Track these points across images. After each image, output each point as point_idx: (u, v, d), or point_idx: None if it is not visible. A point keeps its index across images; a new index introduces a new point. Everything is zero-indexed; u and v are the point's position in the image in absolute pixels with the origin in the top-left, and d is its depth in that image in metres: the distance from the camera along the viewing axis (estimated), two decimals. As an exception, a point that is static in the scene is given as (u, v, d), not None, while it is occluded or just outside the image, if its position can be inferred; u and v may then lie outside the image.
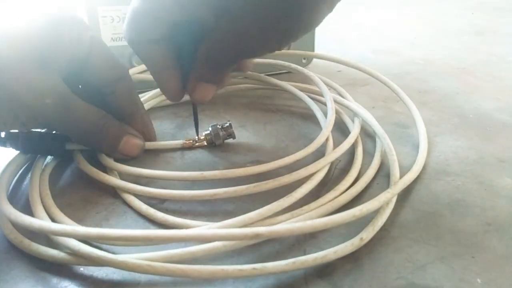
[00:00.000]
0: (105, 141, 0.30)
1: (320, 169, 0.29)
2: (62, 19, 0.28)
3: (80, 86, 0.31)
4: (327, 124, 0.33)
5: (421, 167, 0.30)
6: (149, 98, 0.40)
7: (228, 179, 0.28)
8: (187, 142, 0.34)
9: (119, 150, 0.31)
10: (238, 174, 0.28)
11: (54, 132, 0.33)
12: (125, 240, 0.21)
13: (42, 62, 0.27)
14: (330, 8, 0.24)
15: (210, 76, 0.28)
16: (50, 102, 0.26)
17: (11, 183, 0.30)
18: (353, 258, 0.23)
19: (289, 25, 0.23)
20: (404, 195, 0.28)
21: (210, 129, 0.34)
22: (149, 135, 0.33)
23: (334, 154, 0.30)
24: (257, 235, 0.21)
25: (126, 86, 0.32)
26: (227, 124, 0.34)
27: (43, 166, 0.30)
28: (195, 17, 0.25)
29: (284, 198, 0.26)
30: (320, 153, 0.31)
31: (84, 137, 0.29)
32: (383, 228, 0.25)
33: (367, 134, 0.36)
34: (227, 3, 0.23)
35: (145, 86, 0.42)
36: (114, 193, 0.29)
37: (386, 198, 0.25)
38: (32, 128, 0.29)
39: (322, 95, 0.38)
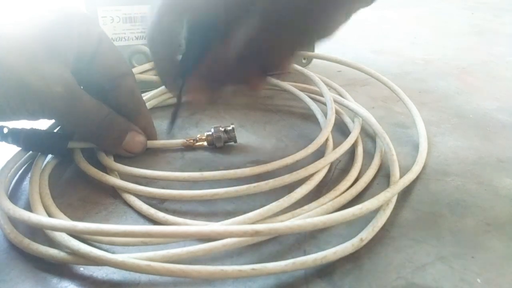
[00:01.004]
0: (110, 136, 0.30)
1: (320, 170, 0.29)
2: (72, 13, 0.29)
3: (82, 87, 0.31)
4: (327, 124, 0.33)
5: (421, 167, 0.30)
6: (149, 98, 0.40)
7: (227, 179, 0.28)
8: (187, 141, 0.34)
9: (123, 146, 0.31)
10: (237, 175, 0.28)
11: (58, 126, 0.33)
12: (125, 236, 0.21)
13: (51, 53, 0.27)
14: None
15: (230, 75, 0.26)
16: (59, 91, 0.26)
17: (11, 183, 0.30)
18: (353, 258, 0.23)
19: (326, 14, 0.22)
20: (404, 195, 0.28)
21: (212, 130, 0.34)
22: (150, 134, 0.33)
23: (334, 154, 0.30)
24: (256, 232, 0.21)
25: (130, 83, 0.32)
26: (230, 128, 0.34)
27: (43, 166, 0.30)
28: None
29: (284, 198, 0.26)
30: (320, 153, 0.31)
31: (88, 131, 0.29)
32: (383, 228, 0.25)
33: (367, 134, 0.36)
34: None
35: (145, 86, 0.42)
36: (114, 193, 0.29)
37: (386, 197, 0.25)
38: (38, 118, 0.29)
39: (322, 95, 0.38)
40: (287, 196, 0.26)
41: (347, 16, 0.23)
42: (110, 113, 0.30)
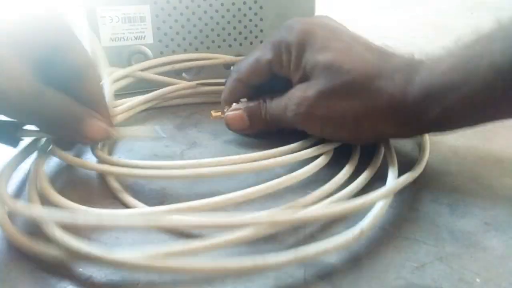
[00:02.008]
0: (69, 124, 0.29)
1: (324, 153, 0.30)
2: (37, 11, 0.28)
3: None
4: None
5: (422, 168, 0.30)
6: (149, 98, 0.40)
7: (225, 167, 0.28)
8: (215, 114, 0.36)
9: (84, 133, 0.29)
10: (233, 161, 0.28)
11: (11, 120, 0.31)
12: (125, 222, 0.21)
13: (16, 52, 0.26)
14: None
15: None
16: (28, 91, 0.26)
17: (9, 183, 0.29)
18: (352, 258, 0.23)
19: None
20: (403, 195, 0.28)
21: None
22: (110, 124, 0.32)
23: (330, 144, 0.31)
24: (255, 222, 0.21)
25: (92, 74, 0.31)
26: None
27: (42, 169, 0.30)
28: None
29: (286, 176, 0.26)
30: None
31: (49, 123, 0.29)
32: (383, 228, 0.25)
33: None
34: None
35: (147, 86, 0.42)
36: (113, 194, 0.28)
37: (387, 191, 0.25)
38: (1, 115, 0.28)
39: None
40: (288, 175, 0.26)
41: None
42: (68, 102, 0.29)
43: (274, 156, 0.30)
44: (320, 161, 0.29)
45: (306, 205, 0.25)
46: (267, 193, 0.26)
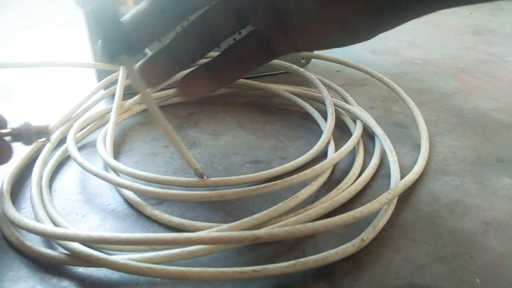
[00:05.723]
0: None
1: (325, 170, 0.29)
2: None
3: None
4: (326, 130, 0.33)
5: (422, 169, 0.30)
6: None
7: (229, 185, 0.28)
8: None
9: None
10: (238, 181, 0.28)
11: None
12: (126, 244, 0.21)
13: None
14: None
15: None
16: None
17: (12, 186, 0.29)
18: (352, 258, 0.23)
19: None
20: (403, 195, 0.28)
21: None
22: None
23: (339, 155, 0.30)
24: (257, 238, 0.21)
25: None
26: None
27: (44, 168, 0.30)
28: None
29: (290, 199, 0.26)
30: (320, 153, 0.31)
31: None
32: (382, 228, 0.25)
33: (368, 134, 0.36)
34: None
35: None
36: (114, 194, 0.28)
37: (387, 199, 0.25)
38: None
39: (322, 96, 0.38)
40: (292, 197, 0.26)
41: None
42: None
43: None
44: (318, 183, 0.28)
45: (310, 209, 0.25)
46: (277, 213, 0.25)
